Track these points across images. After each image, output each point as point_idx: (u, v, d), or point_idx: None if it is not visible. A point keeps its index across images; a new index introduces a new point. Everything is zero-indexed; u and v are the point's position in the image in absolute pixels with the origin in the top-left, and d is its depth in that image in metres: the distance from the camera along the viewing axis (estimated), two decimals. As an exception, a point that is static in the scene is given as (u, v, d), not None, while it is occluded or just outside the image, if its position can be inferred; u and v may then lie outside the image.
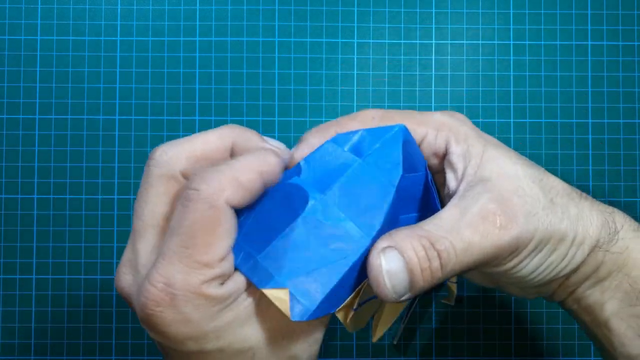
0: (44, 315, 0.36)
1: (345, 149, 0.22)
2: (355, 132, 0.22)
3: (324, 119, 0.37)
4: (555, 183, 0.23)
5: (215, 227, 0.18)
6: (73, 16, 0.37)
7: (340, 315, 0.21)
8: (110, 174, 0.36)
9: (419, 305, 0.37)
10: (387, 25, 0.37)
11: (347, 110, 0.37)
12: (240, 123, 0.37)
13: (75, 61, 0.37)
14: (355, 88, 0.37)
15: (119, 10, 0.37)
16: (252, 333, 0.20)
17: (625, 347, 0.22)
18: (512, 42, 0.37)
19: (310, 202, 0.20)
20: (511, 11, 0.37)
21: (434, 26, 0.37)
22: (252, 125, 0.37)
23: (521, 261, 0.21)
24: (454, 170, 0.23)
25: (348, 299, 0.21)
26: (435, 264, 0.20)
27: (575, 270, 0.22)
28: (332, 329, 0.36)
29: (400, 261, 0.20)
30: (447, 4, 0.37)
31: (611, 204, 0.24)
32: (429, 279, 0.20)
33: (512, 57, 0.37)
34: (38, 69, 0.37)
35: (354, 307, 0.21)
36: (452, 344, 0.37)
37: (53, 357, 0.36)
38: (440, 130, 0.23)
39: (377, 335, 0.25)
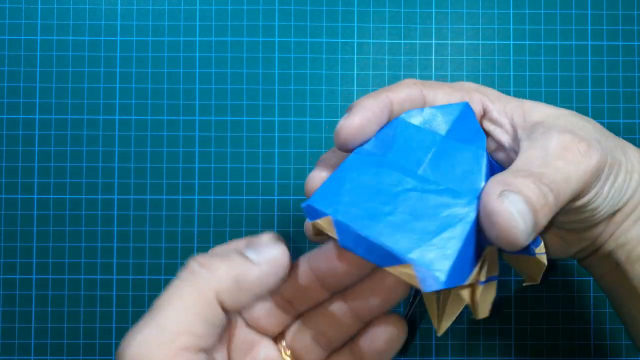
0: (44, 315, 0.36)
1: (419, 124, 0.22)
2: (422, 109, 0.22)
3: (323, 119, 0.37)
4: (591, 120, 0.23)
5: None
6: (73, 16, 0.37)
7: (466, 294, 0.20)
8: (110, 174, 0.36)
9: (419, 305, 0.37)
10: (387, 25, 0.37)
11: (347, 110, 0.37)
12: (240, 123, 0.37)
13: (75, 61, 0.37)
14: (355, 88, 0.37)
15: (119, 10, 0.37)
16: None
17: None
18: (512, 42, 0.37)
19: (407, 180, 0.20)
20: (511, 11, 0.37)
21: (434, 26, 0.37)
22: (252, 125, 0.37)
23: (600, 188, 0.21)
24: (500, 125, 0.24)
25: (474, 271, 0.20)
26: (550, 198, 0.19)
27: (627, 201, 0.23)
28: (332, 329, 0.36)
29: (522, 201, 0.18)
30: (447, 4, 0.37)
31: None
32: (548, 214, 0.19)
33: (512, 57, 0.37)
34: (38, 69, 0.37)
35: (481, 280, 0.20)
36: (452, 344, 0.37)
37: (53, 357, 0.36)
38: (474, 95, 0.24)
39: (443, 328, 0.23)
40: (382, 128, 0.22)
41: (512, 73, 0.37)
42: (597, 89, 0.37)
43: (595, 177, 0.21)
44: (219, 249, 0.21)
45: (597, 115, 0.37)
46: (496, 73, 0.37)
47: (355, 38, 0.37)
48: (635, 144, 0.37)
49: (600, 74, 0.37)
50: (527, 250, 0.23)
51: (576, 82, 0.37)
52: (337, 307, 0.21)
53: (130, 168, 0.36)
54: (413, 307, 0.36)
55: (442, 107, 0.23)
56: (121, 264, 0.36)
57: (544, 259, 0.23)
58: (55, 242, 0.36)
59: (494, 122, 0.24)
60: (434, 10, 0.37)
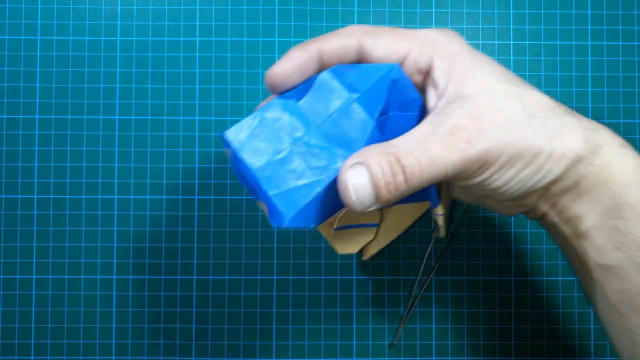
0: (44, 315, 0.36)
1: (340, 84, 0.24)
2: (353, 66, 0.24)
3: (324, 119, 0.37)
4: (539, 98, 0.23)
5: None
6: (73, 16, 0.37)
7: (323, 231, 0.25)
8: (110, 174, 0.36)
9: (419, 305, 0.37)
10: (387, 26, 0.37)
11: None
12: (240, 123, 0.37)
13: (75, 61, 0.37)
14: (355, 88, 0.37)
15: (119, 10, 0.37)
16: None
17: (603, 258, 0.23)
18: (512, 42, 0.37)
19: (304, 129, 0.23)
20: (511, 11, 0.37)
21: (434, 26, 0.37)
22: (252, 125, 0.37)
23: (492, 174, 0.22)
24: (436, 86, 0.23)
25: (330, 218, 0.24)
26: (400, 178, 0.21)
27: (554, 183, 0.23)
28: (332, 329, 0.36)
29: (365, 176, 0.21)
30: (447, 4, 0.37)
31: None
32: (394, 191, 0.21)
33: (512, 57, 0.37)
34: (38, 69, 0.37)
35: (335, 226, 0.24)
36: (452, 344, 0.37)
37: (53, 357, 0.36)
38: (425, 46, 0.24)
39: (369, 253, 0.27)
40: (310, 77, 0.24)
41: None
42: (597, 89, 0.37)
43: (476, 166, 0.22)
44: None
45: (597, 115, 0.37)
46: (496, 73, 0.37)
47: (355, 38, 0.37)
48: (635, 144, 0.37)
49: (600, 74, 0.37)
50: (427, 212, 0.27)
51: (576, 82, 0.37)
52: None
53: (130, 168, 0.36)
54: (412, 308, 0.36)
55: (369, 68, 0.24)
56: (121, 264, 0.36)
57: (440, 219, 0.27)
58: (55, 242, 0.36)
59: (432, 81, 0.24)
60: (434, 10, 0.37)
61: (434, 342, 0.37)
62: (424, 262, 0.36)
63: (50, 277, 0.36)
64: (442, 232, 0.29)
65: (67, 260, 0.36)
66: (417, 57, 0.24)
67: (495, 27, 0.37)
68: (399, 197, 0.22)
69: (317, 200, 0.23)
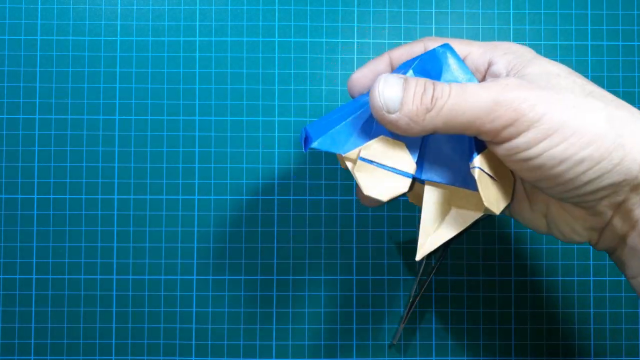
0: (44, 315, 0.36)
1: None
2: (415, 58, 0.24)
3: (324, 119, 0.37)
4: (606, 93, 0.21)
5: None
6: (73, 16, 0.37)
7: (346, 160, 0.24)
8: (110, 174, 0.36)
9: (419, 305, 0.37)
10: (387, 25, 0.37)
11: (347, 110, 0.37)
12: (240, 123, 0.37)
13: (75, 61, 0.37)
14: (355, 88, 0.37)
15: (119, 10, 0.37)
16: None
17: None
18: (512, 42, 0.37)
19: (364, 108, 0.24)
20: (511, 11, 0.37)
21: (434, 26, 0.37)
22: (252, 125, 0.37)
23: (519, 136, 0.20)
24: (494, 76, 0.23)
25: (355, 149, 0.23)
26: (429, 94, 0.21)
27: (628, 186, 0.20)
28: (332, 328, 0.36)
29: (399, 82, 0.22)
30: (447, 4, 0.37)
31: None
32: (420, 108, 0.21)
33: (512, 57, 0.37)
34: (38, 69, 0.37)
35: (360, 155, 0.23)
36: (452, 344, 0.37)
37: (53, 357, 0.36)
38: (487, 49, 0.24)
39: (424, 250, 0.25)
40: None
41: (512, 73, 0.37)
42: (597, 89, 0.37)
43: (505, 113, 0.20)
44: None
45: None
46: (496, 73, 0.37)
47: (355, 38, 0.37)
48: (635, 144, 0.37)
49: (600, 74, 0.37)
50: (467, 184, 0.25)
51: (576, 82, 0.37)
52: None
53: (130, 168, 0.36)
54: (412, 308, 0.36)
55: (426, 55, 0.24)
56: (121, 264, 0.36)
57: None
58: (55, 242, 0.36)
59: (492, 75, 0.24)
60: (433, 10, 0.37)
61: (434, 342, 0.37)
62: (424, 262, 0.36)
63: (50, 277, 0.36)
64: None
65: (67, 260, 0.36)
66: (477, 57, 0.24)
67: (495, 27, 0.37)
68: (426, 125, 0.21)
69: (345, 128, 0.23)
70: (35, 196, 0.36)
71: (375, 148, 0.23)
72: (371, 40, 0.37)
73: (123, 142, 0.37)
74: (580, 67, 0.37)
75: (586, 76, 0.37)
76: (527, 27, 0.37)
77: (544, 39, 0.37)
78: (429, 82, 0.22)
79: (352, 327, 0.36)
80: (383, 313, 0.37)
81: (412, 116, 0.21)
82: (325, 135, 0.23)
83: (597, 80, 0.37)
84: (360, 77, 0.27)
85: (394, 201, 0.37)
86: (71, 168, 0.36)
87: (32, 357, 0.36)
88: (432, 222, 0.25)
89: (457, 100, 0.21)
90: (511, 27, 0.37)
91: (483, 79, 0.25)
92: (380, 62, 0.27)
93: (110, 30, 0.37)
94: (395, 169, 0.23)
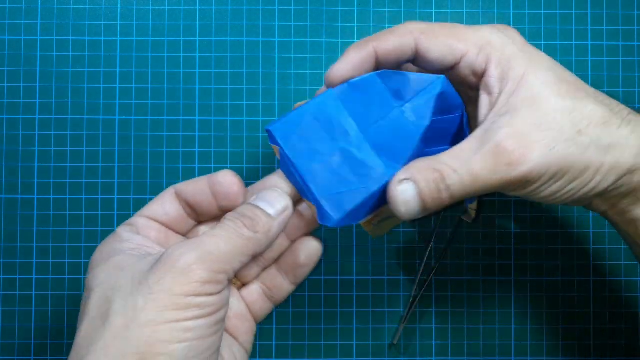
0: (44, 315, 0.36)
1: (387, 90, 0.25)
2: (401, 74, 0.25)
3: (324, 119, 0.37)
4: (593, 111, 0.23)
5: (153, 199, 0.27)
6: (73, 16, 0.37)
7: (363, 225, 0.27)
8: (110, 174, 0.36)
9: (419, 305, 0.37)
10: (387, 25, 0.37)
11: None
12: (240, 123, 0.37)
13: (75, 61, 0.37)
14: (355, 88, 0.37)
15: (119, 10, 0.37)
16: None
17: None
18: (512, 42, 0.37)
19: (351, 134, 0.25)
20: (511, 11, 0.37)
21: (434, 26, 0.37)
22: (252, 125, 0.37)
23: (536, 189, 0.23)
24: (489, 93, 0.24)
25: (370, 216, 0.26)
26: (444, 195, 0.23)
27: (605, 191, 0.23)
28: (332, 329, 0.36)
29: (413, 191, 0.23)
30: (447, 4, 0.37)
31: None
32: (439, 204, 0.23)
33: (512, 57, 0.37)
34: (38, 69, 0.37)
35: (374, 222, 0.27)
36: (452, 344, 0.37)
37: (53, 357, 0.36)
38: (483, 48, 0.24)
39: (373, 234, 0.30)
40: (361, 78, 0.25)
41: (512, 73, 0.37)
42: (597, 89, 0.37)
43: (516, 185, 0.22)
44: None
45: (597, 115, 0.37)
46: (496, 73, 0.37)
47: (355, 38, 0.37)
48: (635, 144, 0.37)
49: (600, 74, 0.37)
50: (463, 204, 0.29)
51: (576, 82, 0.37)
52: None
53: (130, 168, 0.36)
54: (412, 308, 0.36)
55: (417, 77, 0.25)
56: (121, 264, 0.36)
57: (473, 212, 0.30)
58: (55, 242, 0.36)
59: (485, 87, 0.24)
60: (434, 10, 0.37)
61: (434, 342, 0.37)
62: (424, 262, 0.36)
63: (50, 277, 0.36)
64: (472, 215, 0.30)
65: (67, 260, 0.36)
66: (474, 59, 0.24)
67: (495, 27, 0.37)
68: (443, 206, 0.24)
69: (361, 204, 0.25)
70: (35, 196, 0.36)
71: (384, 212, 0.27)
72: (371, 40, 0.37)
73: (123, 142, 0.37)
74: (580, 67, 0.37)
75: (586, 76, 0.37)
76: (527, 27, 0.37)
77: (544, 39, 0.37)
78: (439, 179, 0.23)
79: (352, 327, 0.36)
80: (383, 313, 0.37)
81: (432, 210, 0.24)
82: (343, 217, 0.25)
83: (597, 80, 0.37)
84: (343, 73, 0.25)
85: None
86: (71, 168, 0.36)
87: (32, 357, 0.36)
88: None
89: (470, 187, 0.23)
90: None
91: (478, 82, 0.24)
92: (365, 58, 0.25)
93: (110, 30, 0.37)
94: (386, 217, 0.28)
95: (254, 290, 0.27)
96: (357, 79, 0.25)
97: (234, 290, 0.27)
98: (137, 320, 0.20)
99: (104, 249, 0.24)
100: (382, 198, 0.25)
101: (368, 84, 0.25)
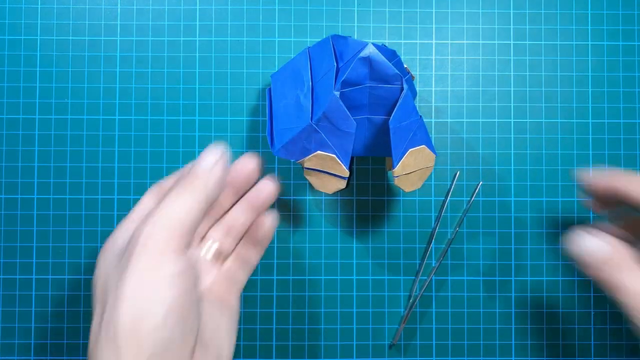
0: (44, 315, 0.36)
1: (334, 50, 0.31)
2: (344, 38, 0.31)
3: (324, 119, 0.37)
4: None
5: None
6: (73, 16, 0.37)
7: (305, 174, 0.31)
8: (110, 174, 0.36)
9: (419, 305, 0.37)
10: (387, 25, 0.37)
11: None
12: (241, 123, 0.37)
13: (75, 61, 0.37)
14: (355, 88, 0.37)
15: (119, 10, 0.37)
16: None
17: None
18: (512, 42, 0.37)
19: (305, 85, 0.31)
20: (511, 11, 0.37)
21: (434, 26, 0.37)
22: (252, 125, 0.37)
23: None
24: None
25: (304, 158, 0.31)
26: None
27: None
28: (332, 329, 0.36)
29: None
30: (447, 4, 0.37)
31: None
32: None
33: (512, 57, 0.37)
34: (38, 69, 0.37)
35: (305, 166, 0.31)
36: (452, 344, 0.37)
37: (53, 357, 0.36)
38: None
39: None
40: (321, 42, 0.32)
41: (512, 73, 0.37)
42: (597, 89, 0.37)
43: None
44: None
45: (597, 115, 0.37)
46: (496, 73, 0.37)
47: (355, 37, 0.37)
48: (635, 144, 0.37)
49: (600, 74, 0.37)
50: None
51: (576, 82, 0.37)
52: (240, 207, 0.31)
53: (130, 168, 0.36)
54: (412, 308, 0.36)
55: (353, 41, 0.30)
56: (121, 264, 0.36)
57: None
58: (55, 242, 0.36)
59: None
60: (434, 10, 0.37)
61: (434, 342, 0.37)
62: (424, 262, 0.36)
63: (50, 277, 0.36)
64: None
65: (67, 260, 0.36)
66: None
67: (496, 27, 0.37)
68: None
69: (292, 140, 0.30)
70: (35, 196, 0.36)
71: (315, 161, 0.31)
72: (371, 40, 0.37)
73: (123, 142, 0.36)
74: (580, 67, 0.37)
75: (586, 76, 0.37)
76: (527, 27, 0.37)
77: (544, 39, 0.37)
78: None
79: (352, 327, 0.36)
80: (383, 313, 0.37)
81: None
82: (281, 147, 0.31)
83: (597, 80, 0.37)
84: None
85: (395, 201, 0.37)
86: (71, 168, 0.36)
87: (32, 357, 0.36)
88: None
89: None
90: (511, 27, 0.37)
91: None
92: (609, 186, 0.29)
93: (110, 30, 0.37)
94: (333, 173, 0.31)
95: (229, 261, 0.31)
96: (319, 41, 0.33)
97: (217, 264, 0.30)
98: (123, 296, 0.22)
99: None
100: (312, 144, 0.30)
101: (325, 44, 0.31)
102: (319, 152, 0.30)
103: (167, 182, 0.28)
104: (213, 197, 0.25)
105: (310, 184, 0.32)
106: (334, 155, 0.30)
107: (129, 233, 0.26)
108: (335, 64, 0.30)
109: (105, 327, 0.22)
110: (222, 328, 0.27)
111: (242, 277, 0.31)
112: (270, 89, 0.33)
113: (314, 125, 0.30)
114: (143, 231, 0.23)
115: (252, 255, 0.31)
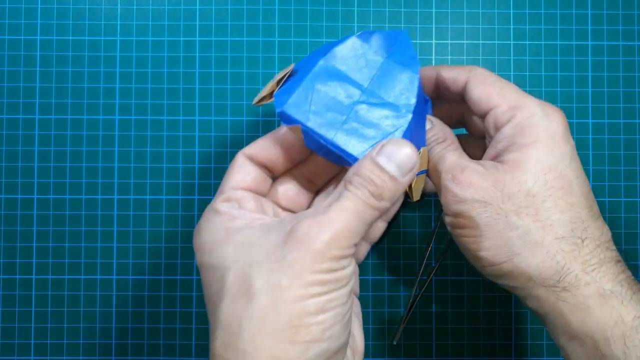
0: (44, 315, 0.36)
1: (369, 48, 0.27)
2: (372, 32, 0.27)
3: (324, 119, 0.37)
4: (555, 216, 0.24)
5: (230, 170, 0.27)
6: (73, 16, 0.37)
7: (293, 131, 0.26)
8: (110, 174, 0.36)
9: (419, 305, 0.37)
10: (387, 25, 0.37)
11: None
12: (240, 123, 0.37)
13: (75, 61, 0.37)
14: (355, 88, 0.37)
15: (118, 10, 0.37)
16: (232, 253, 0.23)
17: None
18: (512, 42, 0.37)
19: (357, 93, 0.26)
20: (511, 11, 0.37)
21: (434, 26, 0.37)
22: (251, 125, 0.37)
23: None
24: (491, 145, 0.26)
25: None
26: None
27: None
28: (332, 329, 0.36)
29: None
30: (448, 4, 0.37)
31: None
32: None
33: (512, 57, 0.37)
34: (38, 69, 0.37)
35: (416, 172, 0.26)
36: (452, 344, 0.37)
37: (53, 357, 0.36)
38: (513, 108, 0.25)
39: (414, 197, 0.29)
40: (341, 40, 0.27)
41: (512, 73, 0.37)
42: (597, 89, 0.37)
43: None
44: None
45: (597, 115, 0.37)
46: (496, 73, 0.37)
47: (355, 38, 0.37)
48: (635, 144, 0.37)
49: (600, 74, 0.37)
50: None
51: (576, 82, 0.37)
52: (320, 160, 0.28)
53: (130, 168, 0.36)
54: (412, 308, 0.36)
55: (386, 33, 0.28)
56: (121, 264, 0.36)
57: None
58: (55, 242, 0.36)
59: (490, 141, 0.26)
60: (434, 10, 0.37)
61: (434, 342, 0.37)
62: (424, 262, 0.36)
63: (50, 277, 0.36)
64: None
65: (67, 260, 0.36)
66: (500, 113, 0.25)
67: (496, 27, 0.37)
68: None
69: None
70: (35, 196, 0.36)
71: (420, 160, 0.26)
72: (371, 40, 0.37)
73: (123, 142, 0.36)
74: (580, 67, 0.37)
75: (586, 76, 0.37)
76: (527, 27, 0.37)
77: (544, 39, 0.37)
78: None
79: (352, 327, 0.36)
80: (383, 313, 0.37)
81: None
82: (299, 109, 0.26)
83: (597, 80, 0.37)
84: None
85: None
86: (71, 168, 0.36)
87: (32, 357, 0.36)
88: None
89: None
90: (511, 27, 0.37)
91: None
92: (429, 77, 0.29)
93: (110, 30, 0.37)
94: (424, 170, 0.27)
95: None
96: (338, 43, 0.27)
97: None
98: (284, 298, 0.21)
99: (213, 228, 0.24)
100: (414, 140, 0.26)
101: (352, 47, 0.27)
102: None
103: (258, 147, 0.27)
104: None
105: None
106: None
107: (242, 207, 0.25)
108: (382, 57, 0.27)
109: (260, 324, 0.21)
110: (355, 324, 0.27)
111: (363, 251, 0.31)
112: (304, 124, 0.26)
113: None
114: (321, 236, 0.22)
115: (364, 250, 0.31)
